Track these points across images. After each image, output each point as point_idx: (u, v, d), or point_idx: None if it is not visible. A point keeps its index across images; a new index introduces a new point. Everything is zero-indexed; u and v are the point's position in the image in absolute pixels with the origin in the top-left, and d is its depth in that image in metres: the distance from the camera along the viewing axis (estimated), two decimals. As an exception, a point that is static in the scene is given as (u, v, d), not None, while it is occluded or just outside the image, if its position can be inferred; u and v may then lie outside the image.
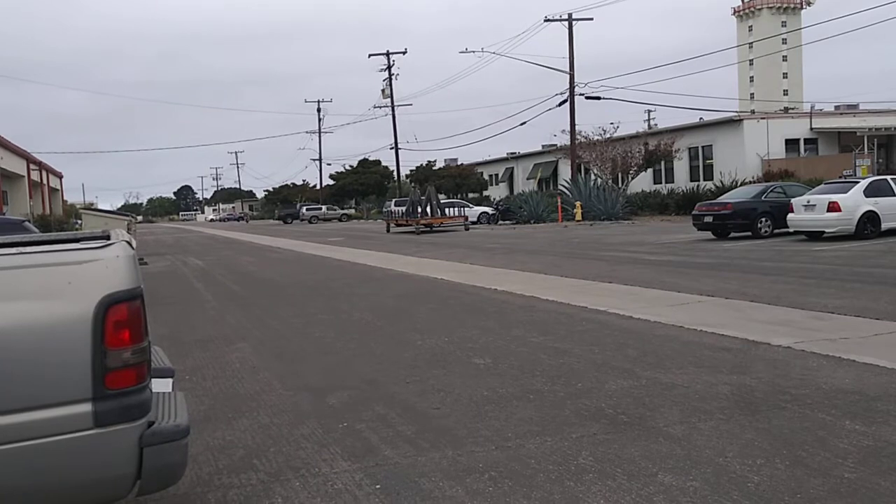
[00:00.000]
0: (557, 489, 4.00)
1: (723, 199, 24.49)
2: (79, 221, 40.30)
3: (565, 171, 50.68)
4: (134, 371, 2.93)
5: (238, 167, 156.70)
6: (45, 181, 55.00)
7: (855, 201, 19.42)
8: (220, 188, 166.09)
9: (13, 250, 2.94)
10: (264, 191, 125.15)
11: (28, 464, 2.77)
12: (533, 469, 4.30)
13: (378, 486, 4.16)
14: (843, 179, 23.07)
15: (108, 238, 3.28)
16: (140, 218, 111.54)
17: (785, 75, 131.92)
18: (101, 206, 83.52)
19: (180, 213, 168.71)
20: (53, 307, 2.84)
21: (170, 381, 3.85)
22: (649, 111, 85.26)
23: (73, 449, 2.82)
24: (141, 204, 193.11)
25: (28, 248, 3.00)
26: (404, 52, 67.42)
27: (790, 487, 3.87)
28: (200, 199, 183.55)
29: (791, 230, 20.91)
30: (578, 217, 38.85)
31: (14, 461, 2.75)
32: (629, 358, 7.00)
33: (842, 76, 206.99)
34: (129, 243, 3.09)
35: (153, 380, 3.19)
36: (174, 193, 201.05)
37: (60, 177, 68.01)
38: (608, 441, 4.72)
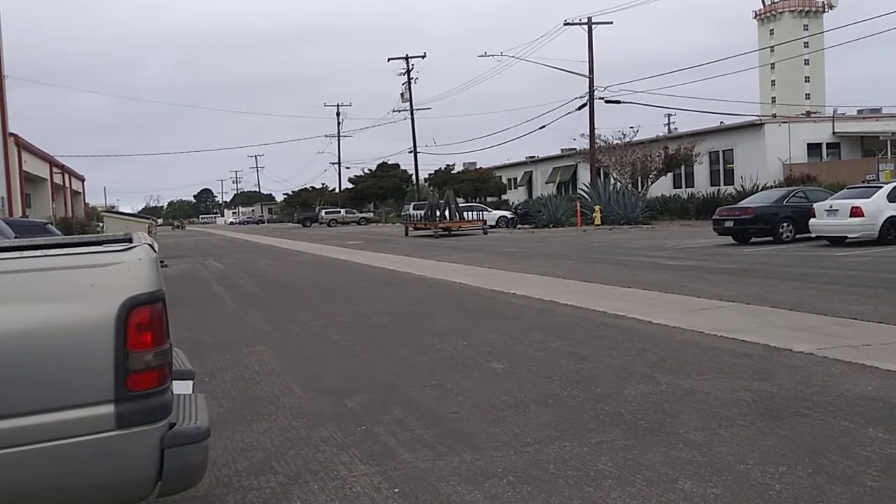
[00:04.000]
0: (576, 495, 3.98)
1: (744, 203, 24.31)
2: (100, 224, 40.72)
3: (584, 175, 50.53)
4: (156, 373, 2.95)
5: (258, 171, 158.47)
6: (67, 184, 55.58)
7: (878, 206, 19.22)
8: (239, 191, 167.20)
9: (37, 252, 2.97)
10: (284, 194, 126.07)
11: (51, 464, 2.80)
12: (552, 474, 4.29)
13: (396, 490, 4.16)
14: (866, 184, 22.82)
15: (130, 241, 3.30)
16: (160, 221, 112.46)
17: (807, 79, 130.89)
18: (121, 209, 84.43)
19: (200, 217, 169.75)
20: (76, 309, 2.86)
21: (190, 383, 3.88)
22: (669, 115, 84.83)
23: (96, 450, 2.84)
24: (161, 207, 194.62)
25: (51, 251, 3.03)
26: (423, 56, 67.49)
27: (812, 496, 3.82)
28: (220, 202, 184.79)
29: (813, 235, 20.73)
30: (598, 221, 38.71)
31: (37, 462, 2.77)
32: (649, 363, 6.96)
33: (865, 80, 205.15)
34: (152, 246, 3.12)
35: (174, 382, 3.20)
36: (194, 196, 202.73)
37: (83, 180, 68.72)
38: (628, 447, 4.69)
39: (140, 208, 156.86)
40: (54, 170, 50.14)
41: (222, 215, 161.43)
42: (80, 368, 2.84)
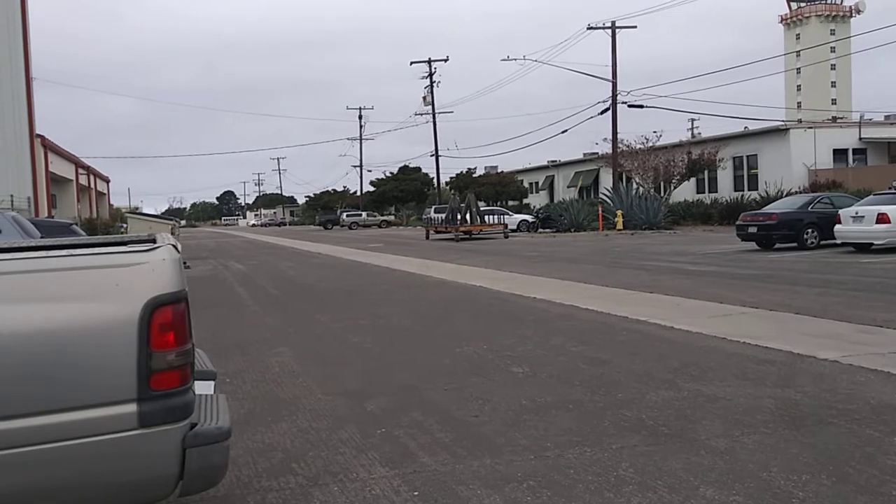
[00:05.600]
0: (597, 500, 3.95)
1: (768, 209, 24.08)
2: (124, 225, 41.11)
3: (606, 180, 50.32)
4: (178, 373, 2.97)
5: (280, 173, 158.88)
6: (92, 185, 56.23)
7: (905, 213, 18.95)
8: (261, 193, 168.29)
9: (63, 252, 3.00)
10: (305, 197, 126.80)
11: (74, 463, 2.82)
12: (572, 479, 4.26)
13: (416, 493, 4.15)
14: (893, 191, 22.52)
15: (154, 241, 3.33)
16: (183, 222, 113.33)
17: (833, 84, 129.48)
18: (145, 211, 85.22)
19: (222, 218, 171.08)
20: (101, 309, 2.89)
21: (212, 383, 3.90)
22: (693, 120, 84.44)
23: (118, 449, 2.86)
24: (184, 208, 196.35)
25: (77, 251, 3.06)
26: (446, 60, 67.50)
27: (837, 505, 3.77)
28: (242, 204, 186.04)
29: (838, 242, 20.48)
30: (619, 226, 38.53)
31: (61, 460, 2.80)
32: (670, 369, 6.91)
33: (893, 85, 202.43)
34: (175, 247, 3.14)
35: (196, 382, 3.22)
36: (217, 198, 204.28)
37: (107, 181, 69.48)
38: (649, 453, 4.66)
39: (163, 210, 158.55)
40: (80, 171, 50.75)
41: (244, 217, 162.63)
42: (103, 368, 2.86)
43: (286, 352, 8.57)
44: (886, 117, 49.46)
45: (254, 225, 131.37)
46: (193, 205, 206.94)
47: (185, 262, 3.35)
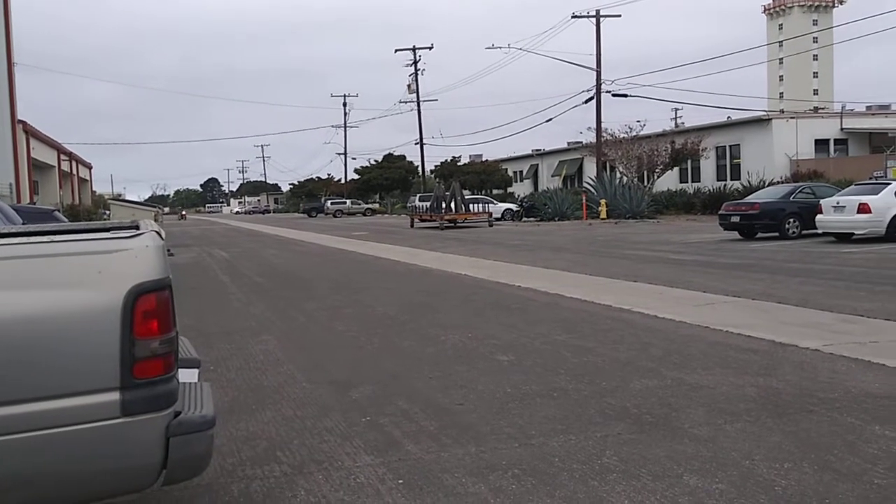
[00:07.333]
0: (581, 488, 3.97)
1: (750, 198, 24.24)
2: (107, 212, 40.80)
3: (590, 169, 50.43)
4: (161, 361, 2.94)
5: (264, 160, 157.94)
6: (74, 171, 55.64)
7: (886, 203, 19.13)
8: (245, 181, 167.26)
9: (45, 238, 2.96)
10: (290, 184, 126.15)
11: (56, 451, 2.79)
12: (557, 467, 4.28)
13: (401, 481, 4.15)
14: (874, 181, 22.72)
15: (137, 228, 3.29)
16: (167, 209, 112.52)
17: (815, 74, 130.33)
18: (128, 197, 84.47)
19: (206, 206, 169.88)
20: (83, 296, 2.85)
21: (196, 371, 3.87)
22: (676, 109, 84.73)
23: (101, 437, 2.83)
24: (168, 195, 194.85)
25: (59, 237, 3.02)
26: (430, 48, 67.46)
27: (818, 492, 3.81)
28: (226, 191, 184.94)
29: (819, 231, 20.66)
30: (603, 215, 38.63)
31: (42, 448, 2.77)
32: (654, 357, 6.95)
33: (874, 76, 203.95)
34: (159, 233, 3.11)
35: (180, 370, 3.20)
36: (200, 186, 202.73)
37: (90, 167, 68.76)
38: (633, 441, 4.68)
39: (147, 197, 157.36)
40: (62, 157, 50.16)
41: (228, 205, 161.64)
42: (85, 355, 2.83)
43: (271, 340, 8.54)
44: (868, 108, 49.80)
45: (238, 212, 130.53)
46: (177, 192, 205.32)
47: (168, 250, 3.32)
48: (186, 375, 3.54)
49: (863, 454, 4.33)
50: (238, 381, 6.61)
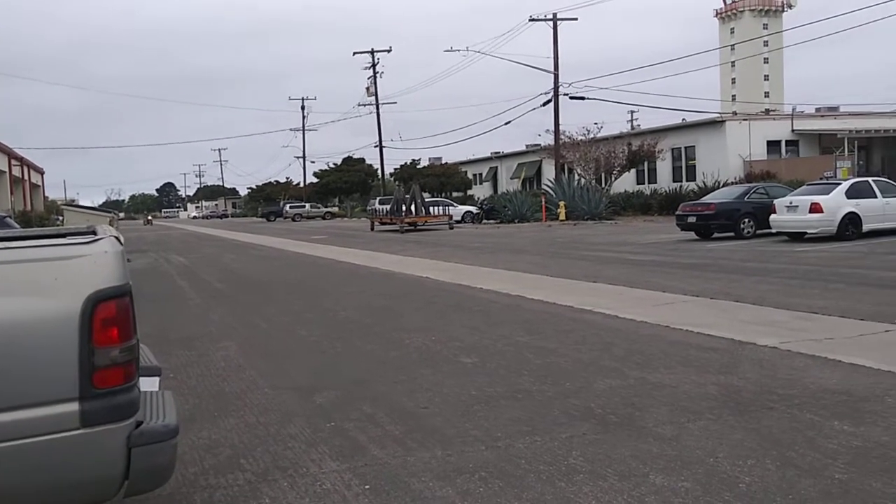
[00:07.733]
0: (549, 490, 3.97)
1: (706, 199, 24.61)
2: (60, 218, 39.91)
3: (549, 171, 50.73)
4: (122, 370, 2.87)
5: (221, 164, 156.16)
6: (26, 177, 54.45)
7: (837, 203, 19.58)
8: (202, 185, 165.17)
9: (-2, 246, 2.87)
10: (248, 188, 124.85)
11: (13, 464, 2.71)
12: (523, 469, 4.28)
13: (367, 487, 4.11)
14: (825, 181, 23.24)
15: (94, 233, 3.21)
16: (122, 214, 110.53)
17: (766, 77, 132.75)
18: (82, 203, 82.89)
19: (162, 211, 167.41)
20: (39, 304, 2.77)
21: (157, 379, 3.79)
22: (632, 112, 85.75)
23: (60, 449, 2.75)
24: (123, 201, 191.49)
25: (12, 244, 2.94)
26: (389, 51, 67.14)
27: (781, 488, 3.86)
28: (183, 196, 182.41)
29: (774, 231, 21.05)
30: (562, 217, 38.90)
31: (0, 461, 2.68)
32: (616, 357, 7.00)
33: (822, 79, 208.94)
34: (118, 238, 3.03)
35: (140, 378, 3.12)
36: (156, 190, 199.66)
37: (42, 173, 67.32)
38: (598, 441, 4.70)
39: (101, 202, 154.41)
40: (13, 162, 49.03)
41: (185, 209, 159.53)
42: (43, 365, 2.75)
43: (232, 346, 8.42)
44: (817, 109, 50.84)
45: (195, 217, 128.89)
46: (132, 197, 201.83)
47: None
48: (147, 384, 3.47)
49: (823, 449, 4.40)
50: (199, 389, 6.50)
